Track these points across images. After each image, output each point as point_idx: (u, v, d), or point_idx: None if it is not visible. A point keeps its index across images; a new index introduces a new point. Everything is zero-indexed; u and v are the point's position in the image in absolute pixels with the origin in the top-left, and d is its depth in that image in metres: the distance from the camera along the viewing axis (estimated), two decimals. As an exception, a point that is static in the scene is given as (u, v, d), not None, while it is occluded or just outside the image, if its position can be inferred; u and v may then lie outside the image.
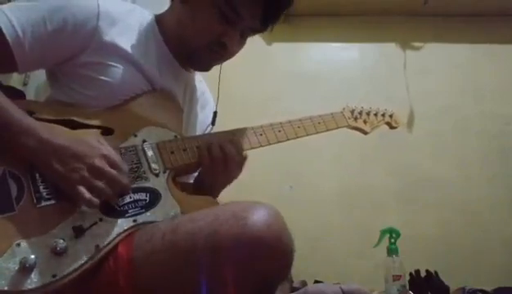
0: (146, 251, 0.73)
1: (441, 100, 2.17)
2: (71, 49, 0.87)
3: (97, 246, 0.72)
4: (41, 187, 0.75)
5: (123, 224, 0.76)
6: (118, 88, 0.90)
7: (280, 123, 1.06)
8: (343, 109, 1.19)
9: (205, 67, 1.04)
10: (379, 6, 2.25)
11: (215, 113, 1.13)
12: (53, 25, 0.84)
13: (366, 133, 1.21)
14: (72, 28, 0.85)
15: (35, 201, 0.73)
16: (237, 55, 1.03)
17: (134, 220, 0.77)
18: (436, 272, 1.59)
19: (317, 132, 1.11)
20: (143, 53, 0.94)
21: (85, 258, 0.71)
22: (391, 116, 1.24)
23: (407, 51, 2.26)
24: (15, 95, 1.30)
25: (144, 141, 0.88)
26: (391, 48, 2.28)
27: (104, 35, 0.88)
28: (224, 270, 0.69)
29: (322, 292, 0.89)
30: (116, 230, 0.75)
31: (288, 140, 1.05)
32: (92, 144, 0.78)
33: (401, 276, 1.36)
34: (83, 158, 0.75)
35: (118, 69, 0.90)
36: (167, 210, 0.81)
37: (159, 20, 1.01)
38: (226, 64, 1.06)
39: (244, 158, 0.96)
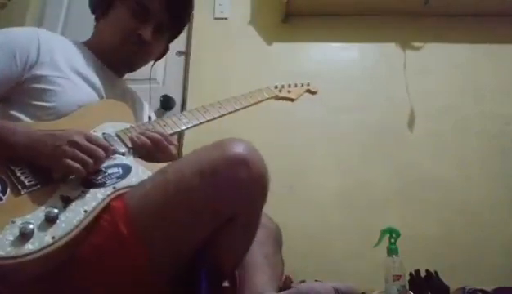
0: (140, 196, 0.83)
1: (441, 100, 2.17)
2: (21, 75, 0.99)
3: (85, 210, 0.79)
4: (22, 177, 0.82)
5: (104, 191, 0.84)
6: (71, 96, 1.01)
7: (220, 101, 1.23)
8: (268, 86, 1.37)
9: (131, 64, 1.21)
10: (379, 6, 2.25)
11: (149, 118, 1.27)
12: (6, 60, 0.97)
13: (292, 100, 1.41)
14: (19, 61, 0.98)
15: (20, 189, 0.80)
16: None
17: (113, 187, 0.85)
18: (436, 272, 1.59)
19: (251, 104, 1.28)
20: (84, 68, 1.09)
21: (77, 221, 0.77)
22: (308, 84, 1.47)
23: (407, 51, 2.26)
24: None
25: (104, 133, 0.98)
26: (391, 48, 2.27)
27: (47, 57, 1.02)
28: (211, 190, 0.79)
29: (315, 290, 0.91)
30: (100, 196, 0.82)
31: (229, 112, 1.22)
32: (70, 128, 0.90)
33: (401, 276, 1.36)
34: (63, 137, 0.86)
35: (67, 81, 1.02)
36: (140, 175, 0.91)
37: (86, 43, 1.19)
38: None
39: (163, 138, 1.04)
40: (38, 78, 0.99)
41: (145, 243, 0.79)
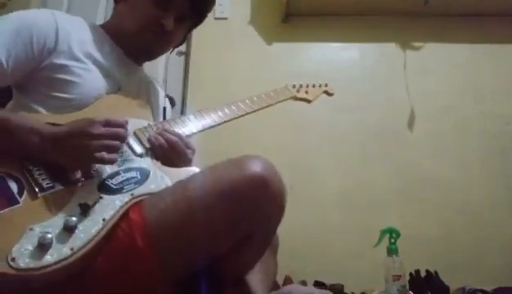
0: (160, 210, 0.81)
1: (441, 100, 2.17)
2: (38, 61, 0.96)
3: (104, 219, 0.77)
4: (39, 178, 0.80)
5: (122, 198, 0.82)
6: (90, 88, 0.99)
7: (236, 102, 1.20)
8: (286, 85, 1.33)
9: (150, 53, 1.17)
10: (379, 6, 2.24)
11: (164, 109, 1.25)
12: (23, 44, 0.93)
13: (309, 101, 1.36)
14: (36, 45, 0.95)
15: (37, 191, 0.78)
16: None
17: (132, 194, 0.83)
18: (436, 272, 1.60)
19: (269, 105, 1.25)
20: (100, 56, 1.05)
21: (95, 231, 0.75)
22: (326, 85, 1.41)
23: (407, 51, 2.26)
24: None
25: None
26: (391, 48, 2.27)
27: (65, 44, 0.99)
28: (232, 209, 0.80)
29: None
30: (118, 204, 0.81)
31: (247, 113, 1.20)
32: (82, 119, 0.87)
33: (401, 276, 1.36)
34: (82, 132, 0.83)
35: (86, 71, 1.00)
36: (158, 182, 0.88)
37: (104, 26, 1.14)
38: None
39: (182, 141, 1.02)
40: (59, 68, 0.97)
41: (162, 258, 0.78)
